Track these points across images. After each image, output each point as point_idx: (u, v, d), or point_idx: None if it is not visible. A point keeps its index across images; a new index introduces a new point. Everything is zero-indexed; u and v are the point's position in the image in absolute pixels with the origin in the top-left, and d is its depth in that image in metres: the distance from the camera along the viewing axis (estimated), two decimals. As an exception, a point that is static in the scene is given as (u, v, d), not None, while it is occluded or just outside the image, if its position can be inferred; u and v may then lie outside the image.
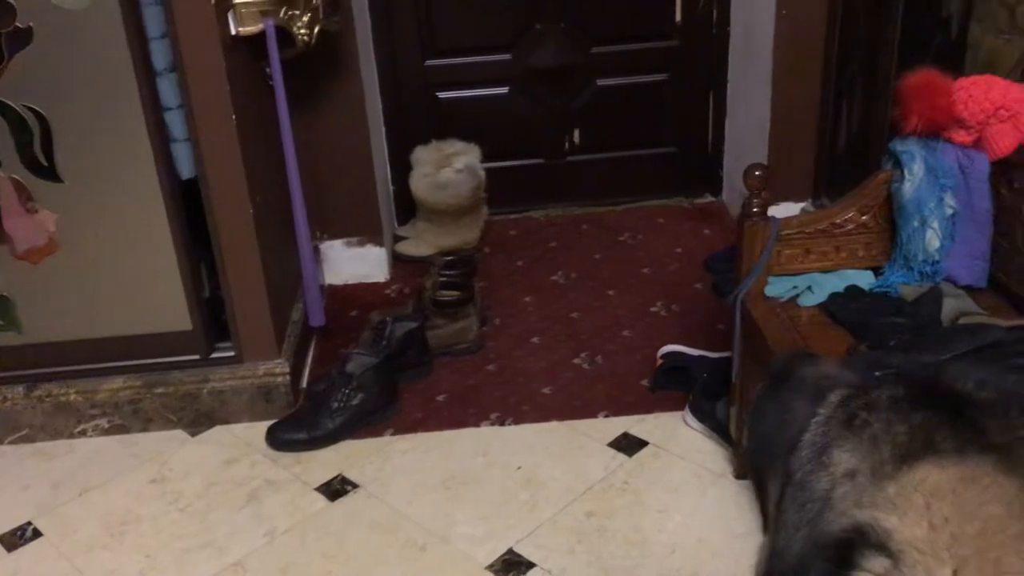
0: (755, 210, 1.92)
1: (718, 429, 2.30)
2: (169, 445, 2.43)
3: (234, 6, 2.26)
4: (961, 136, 1.87)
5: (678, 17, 3.43)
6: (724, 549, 1.99)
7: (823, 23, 3.01)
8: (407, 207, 3.43)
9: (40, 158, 2.20)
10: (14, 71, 2.11)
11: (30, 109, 2.15)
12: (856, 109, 2.96)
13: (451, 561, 2.02)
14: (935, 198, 1.86)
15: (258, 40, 2.34)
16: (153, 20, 2.14)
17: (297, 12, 2.39)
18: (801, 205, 3.19)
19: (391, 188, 3.43)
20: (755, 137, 3.26)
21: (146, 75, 2.15)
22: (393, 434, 2.44)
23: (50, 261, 2.29)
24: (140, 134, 2.19)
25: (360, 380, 2.40)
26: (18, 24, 2.07)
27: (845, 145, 3.06)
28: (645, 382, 2.57)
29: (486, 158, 3.35)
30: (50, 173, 2.21)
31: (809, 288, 1.95)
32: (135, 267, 2.34)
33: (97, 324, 2.39)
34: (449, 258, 2.93)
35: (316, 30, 2.44)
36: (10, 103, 2.14)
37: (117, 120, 2.18)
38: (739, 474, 2.19)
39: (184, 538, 2.13)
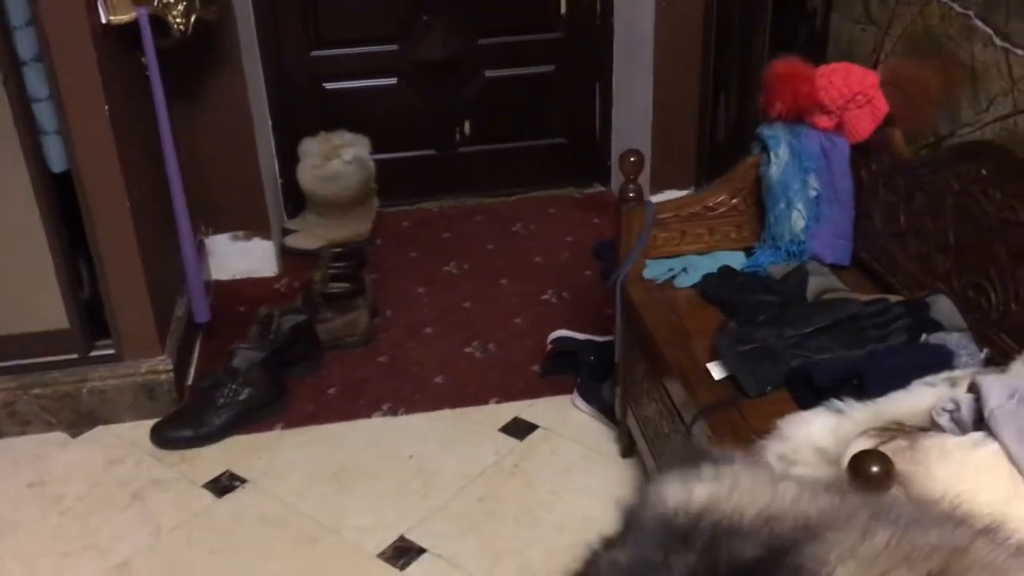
0: (631, 195, 1.97)
1: (605, 410, 2.36)
2: (48, 448, 2.35)
3: (104, -6, 2.19)
4: (823, 121, 1.96)
5: (563, 9, 3.48)
6: (610, 525, 2.04)
7: (700, 15, 3.10)
8: (296, 200, 3.39)
9: None
10: None
11: None
12: (733, 99, 3.07)
13: (342, 552, 2.02)
14: (800, 180, 1.95)
15: (132, 29, 2.28)
16: (16, 8, 2.06)
17: (172, 1, 2.33)
18: (684, 193, 3.28)
19: (279, 180, 3.39)
20: (639, 127, 3.34)
21: (11, 65, 2.08)
22: (283, 428, 2.41)
23: (-89, 260, 2.18)
24: (7, 126, 2.11)
25: (247, 375, 2.37)
26: None
27: (724, 134, 3.16)
28: (536, 367, 2.61)
29: (376, 150, 3.34)
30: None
31: (684, 270, 2.02)
32: (7, 264, 2.25)
33: (-34, 324, 2.29)
34: (338, 250, 2.92)
35: (192, 19, 2.39)
36: None
37: (-19, 112, 2.09)
38: (624, 453, 2.25)
39: (65, 541, 2.06)
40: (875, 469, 1.03)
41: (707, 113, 3.21)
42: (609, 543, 0.58)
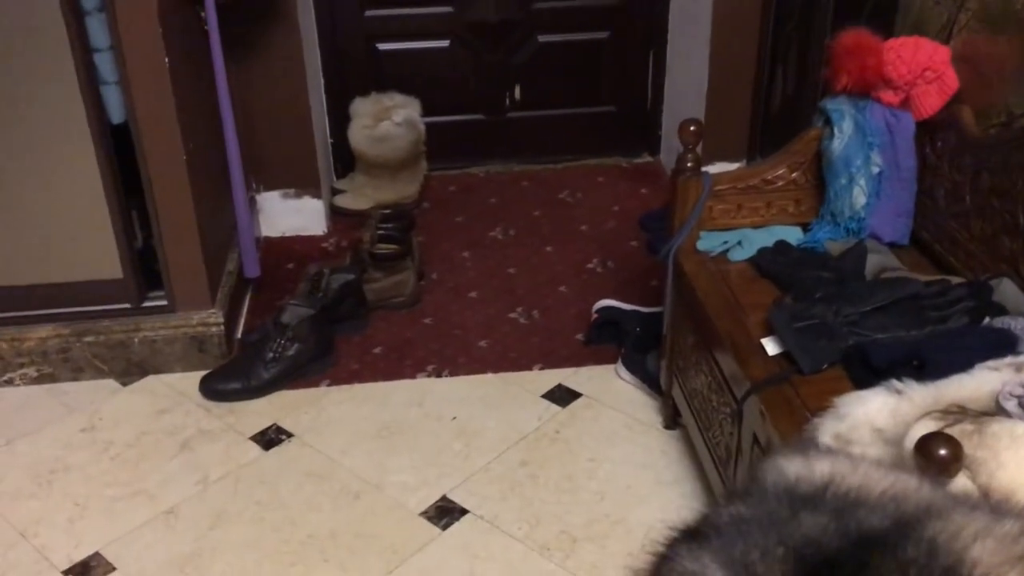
0: (689, 165, 1.95)
1: (649, 381, 2.35)
2: (100, 394, 2.40)
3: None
4: (889, 96, 1.92)
5: (620, -26, 3.43)
6: (651, 496, 2.05)
7: (762, -15, 3.04)
8: (346, 160, 3.40)
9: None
10: (-66, 6, 2.03)
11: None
12: (791, 70, 3.02)
13: (385, 507, 2.04)
14: (863, 156, 1.91)
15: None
16: (80, -45, 2.07)
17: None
18: (736, 165, 3.24)
19: (329, 140, 3.39)
20: (693, 97, 3.29)
21: (74, 15, 2.09)
22: (328, 385, 2.44)
23: (-25, 205, 2.22)
24: (69, 76, 2.13)
25: (295, 331, 2.39)
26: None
27: (779, 106, 3.11)
28: (580, 336, 2.61)
29: (426, 112, 3.33)
30: (-29, 114, 2.14)
31: (739, 243, 2.00)
32: (65, 213, 2.28)
33: (25, 271, 2.34)
34: (387, 212, 2.92)
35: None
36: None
37: (45, 60, 2.12)
38: (667, 424, 2.25)
39: (115, 486, 2.11)
40: (943, 452, 1.01)
41: (763, 85, 3.15)
42: (730, 496, 0.61)
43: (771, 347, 1.67)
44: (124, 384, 2.43)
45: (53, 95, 2.15)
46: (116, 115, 2.22)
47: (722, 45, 3.13)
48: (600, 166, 3.67)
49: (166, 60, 2.15)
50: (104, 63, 2.17)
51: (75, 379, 2.42)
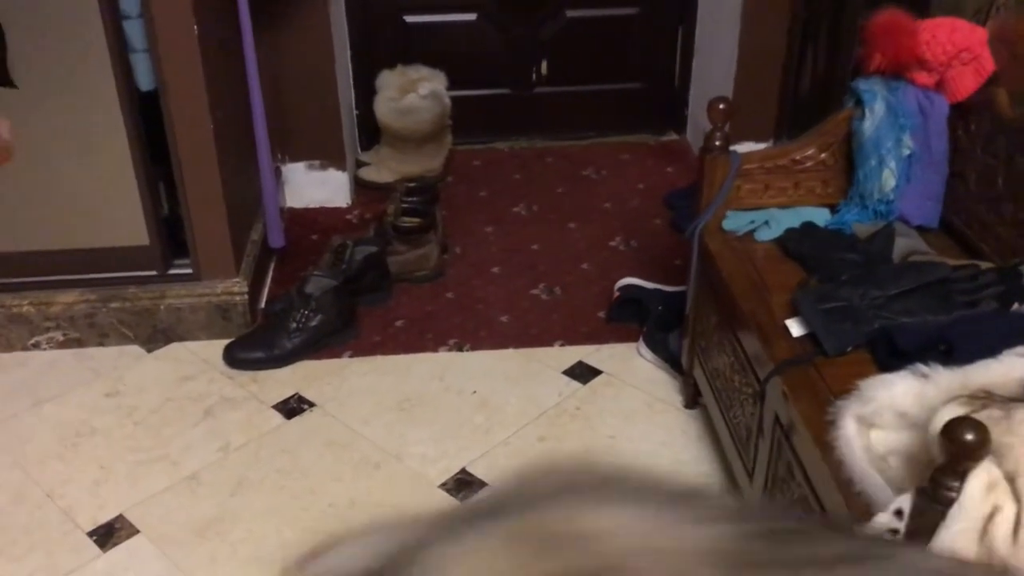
0: (717, 143, 1.93)
1: (670, 360, 2.35)
2: (125, 360, 2.42)
3: (197, -88, 2.19)
4: (923, 77, 1.89)
5: (651, -50, 3.39)
6: (671, 474, 2.05)
7: (795, -38, 3.00)
8: (371, 132, 3.39)
9: (-7, 63, 2.13)
10: (-35, -30, 2.04)
11: (-17, 11, 2.08)
12: (822, 50, 2.98)
13: (404, 478, 2.06)
14: (894, 138, 1.89)
15: (221, -50, 2.27)
16: (112, -77, 2.07)
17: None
18: (763, 145, 3.21)
19: (355, 112, 3.39)
20: (721, 75, 3.26)
21: (104, -20, 2.09)
22: (351, 356, 2.45)
23: (4, 170, 2.24)
24: (98, 42, 2.13)
25: (319, 301, 2.40)
26: (-30, -81, 1.99)
27: (809, 86, 3.08)
28: (601, 313, 2.61)
29: (452, 86, 3.32)
30: (4, 79, 2.15)
31: (766, 223, 1.98)
32: (92, 179, 2.30)
33: (52, 236, 2.36)
34: (411, 185, 2.92)
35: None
36: (-39, 3, 2.07)
37: (74, 26, 2.12)
38: (688, 404, 2.25)
39: (139, 451, 2.14)
40: (970, 437, 1.01)
41: (792, 64, 3.12)
42: None
43: (795, 328, 1.66)
44: (149, 350, 2.46)
45: (83, 60, 2.16)
46: (145, 82, 2.23)
47: (752, 23, 3.10)
48: (625, 143, 3.65)
49: (195, 28, 2.15)
50: (134, 30, 2.17)
51: (101, 344, 2.45)
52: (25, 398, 2.29)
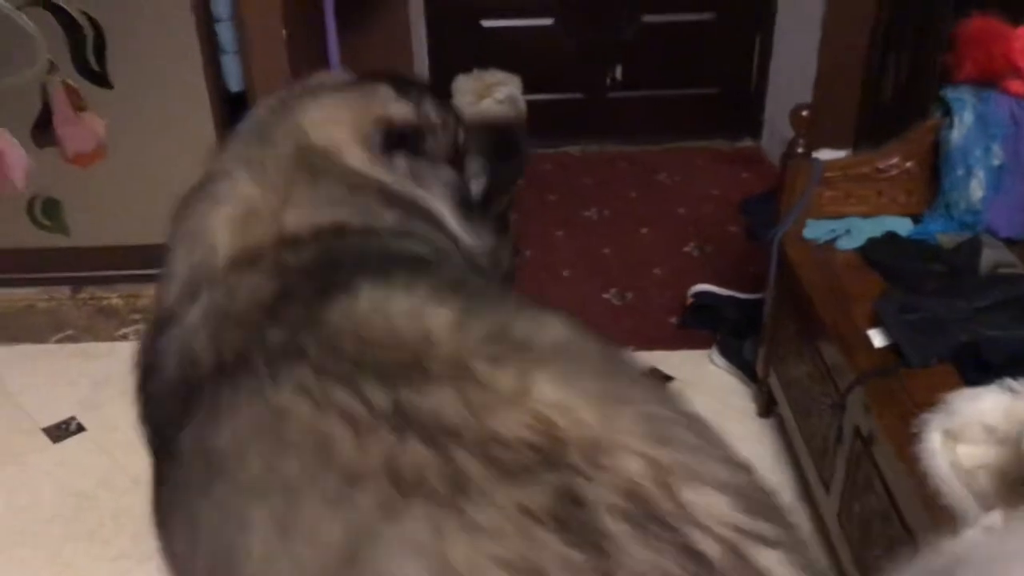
0: (799, 151, 1.92)
1: (744, 368, 2.33)
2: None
3: (287, -81, 2.25)
4: (1017, 86, 1.85)
5: (729, -46, 3.37)
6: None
7: (879, -32, 2.95)
8: (446, 135, 3.43)
9: (92, 63, 2.23)
10: (70, -25, 2.13)
11: (85, 14, 2.17)
12: (905, 57, 2.92)
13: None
14: (982, 147, 1.85)
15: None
16: (208, -71, 2.15)
17: (349, -71, 2.38)
18: (843, 152, 3.15)
19: (431, 115, 3.43)
20: (800, 82, 3.22)
21: (198, -16, 2.17)
22: (425, 355, 2.48)
23: (99, 166, 2.33)
24: (191, 44, 2.21)
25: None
26: (75, -74, 2.08)
27: (891, 93, 3.02)
28: (674, 319, 2.60)
29: (526, 90, 3.33)
30: (101, 79, 2.25)
31: (847, 232, 1.95)
32: (182, 177, 2.36)
33: (142, 231, 2.43)
34: (486, 187, 2.95)
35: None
36: (65, 7, 2.16)
37: (168, 28, 2.20)
38: (762, 412, 2.23)
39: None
40: (1065, 452, 0.99)
41: (874, 71, 3.06)
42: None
43: (878, 339, 1.64)
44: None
45: (175, 61, 2.24)
46: (234, 83, 2.30)
47: (833, 28, 3.06)
48: (700, 149, 3.63)
49: (283, 32, 2.21)
50: (225, 33, 2.24)
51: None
52: (113, 387, 2.37)
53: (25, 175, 2.32)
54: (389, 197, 1.16)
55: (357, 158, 1.19)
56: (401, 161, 1.21)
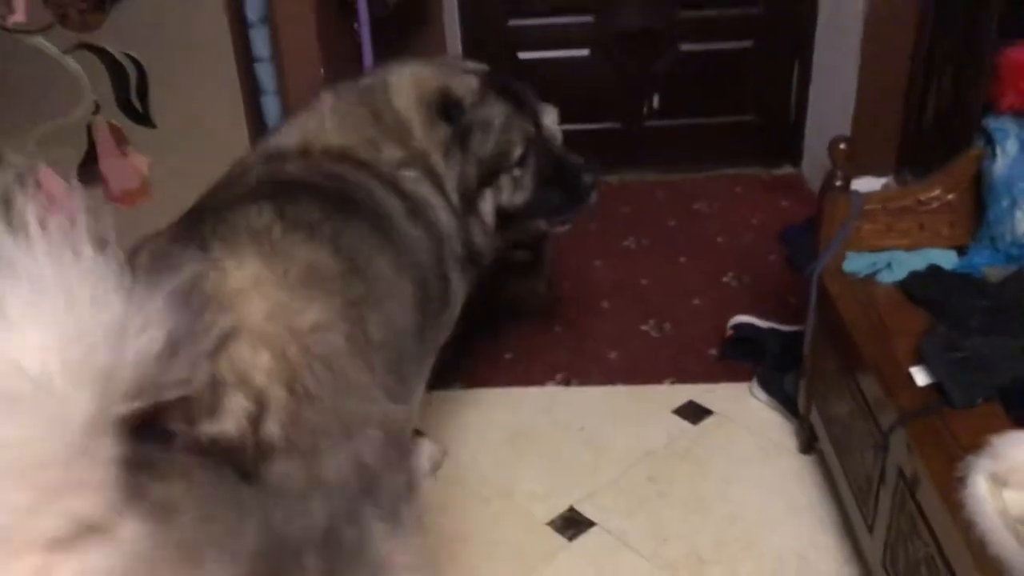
0: (837, 183, 1.89)
1: (785, 402, 2.29)
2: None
3: (325, -40, 2.30)
4: (1060, 116, 1.81)
5: (767, -17, 3.36)
6: (784, 521, 2.00)
7: (919, -6, 2.92)
8: (483, 166, 3.44)
9: (136, 104, 2.28)
10: (115, 18, 2.18)
11: (128, 56, 2.22)
12: (947, 84, 2.88)
13: (513, 515, 2.07)
14: (1027, 179, 1.81)
15: (347, -4, 2.37)
16: (248, -29, 2.19)
17: (388, -31, 2.41)
18: (883, 180, 3.11)
19: (468, 147, 3.45)
20: (839, 108, 3.19)
21: (239, 25, 2.21)
22: (461, 388, 2.49)
23: (144, 205, 2.37)
24: (232, 84, 2.25)
25: (432, 334, 2.45)
26: (120, -28, 2.14)
27: (933, 121, 2.97)
28: (713, 351, 2.57)
29: (563, 120, 3.33)
30: (144, 118, 2.29)
31: (888, 265, 1.92)
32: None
33: (183, 266, 2.48)
34: (523, 218, 2.95)
35: (403, -13, 2.46)
36: (110, 49, 2.21)
37: (210, 69, 2.25)
38: (803, 448, 2.19)
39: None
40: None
41: (916, 98, 3.02)
42: None
43: (921, 377, 1.60)
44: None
45: (217, 101, 2.28)
46: (274, 122, 2.33)
47: (872, 56, 3.03)
48: (739, 177, 3.61)
49: (322, 71, 2.24)
50: (265, 73, 2.28)
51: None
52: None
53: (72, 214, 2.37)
54: (408, 148, 1.63)
55: (411, 112, 1.63)
56: (442, 130, 1.46)
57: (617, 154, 3.64)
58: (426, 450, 2.19)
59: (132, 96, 2.27)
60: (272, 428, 1.06)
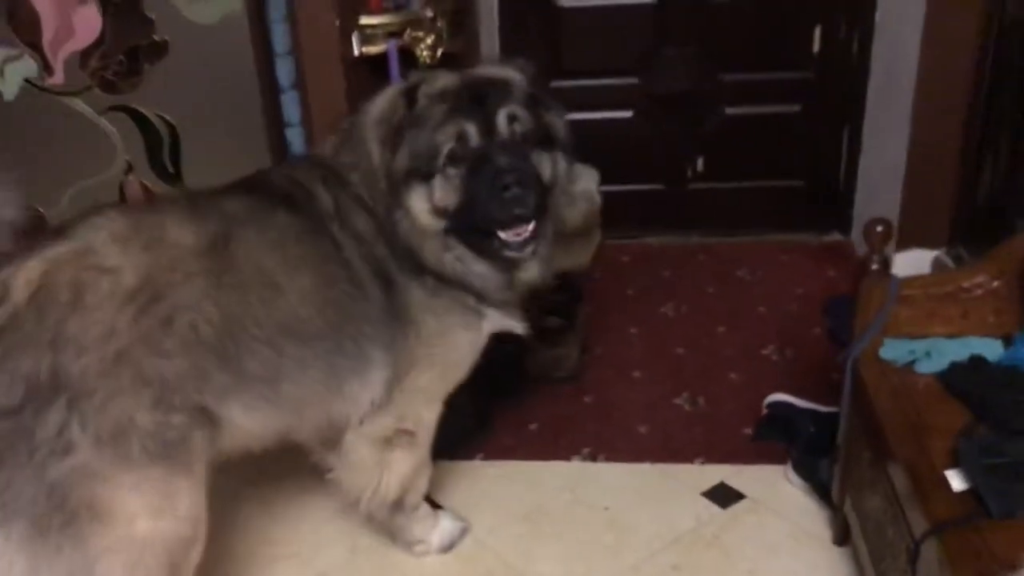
0: (874, 267, 1.80)
1: (820, 488, 2.18)
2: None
3: (359, 27, 2.30)
4: (1115, 202, 1.70)
5: (816, 47, 3.29)
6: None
7: (973, 61, 2.82)
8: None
9: (167, 165, 2.29)
10: (150, 81, 2.21)
11: (161, 118, 2.25)
12: (1003, 155, 2.77)
13: (527, 599, 1.99)
14: (1079, 268, 1.70)
15: (381, 60, 2.37)
16: (279, 37, 2.21)
17: (421, 34, 2.41)
18: (934, 253, 3.00)
19: (506, 207, 3.42)
20: (890, 177, 3.09)
21: (270, 91, 2.22)
22: (483, 459, 2.42)
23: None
24: (262, 148, 2.26)
25: (451, 402, 2.38)
26: (155, 37, 2.17)
27: (987, 193, 2.85)
28: (748, 430, 2.47)
29: (605, 181, 3.29)
30: (175, 179, 2.31)
31: (928, 354, 1.81)
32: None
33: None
34: (554, 283, 2.89)
35: (439, 52, 2.45)
36: (144, 111, 2.24)
37: (241, 133, 2.26)
38: (838, 540, 2.07)
39: (273, 544, 2.17)
40: None
41: (970, 169, 2.91)
42: None
43: (957, 482, 1.49)
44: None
45: (247, 164, 2.26)
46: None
47: (924, 124, 2.93)
48: (784, 243, 3.51)
49: (349, 136, 2.23)
50: (295, 138, 2.29)
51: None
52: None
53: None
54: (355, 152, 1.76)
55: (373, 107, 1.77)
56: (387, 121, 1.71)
57: (659, 216, 3.59)
58: (443, 525, 2.13)
59: (165, 157, 2.29)
60: None
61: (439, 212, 1.71)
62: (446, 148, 1.67)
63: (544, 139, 1.78)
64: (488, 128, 1.69)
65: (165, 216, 1.55)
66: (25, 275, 1.41)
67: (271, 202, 1.66)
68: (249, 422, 1.62)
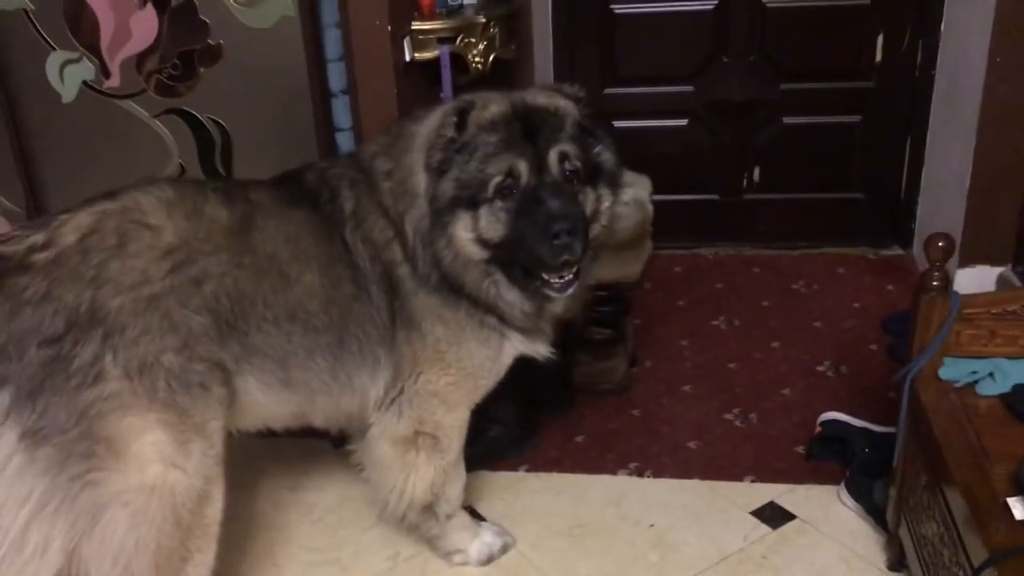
0: (935, 283, 1.73)
1: (874, 511, 2.10)
2: (310, 454, 2.48)
3: (411, 32, 2.29)
4: None
5: (878, 57, 3.21)
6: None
7: (1044, 71, 2.72)
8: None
9: (219, 167, 2.31)
10: (204, 85, 2.23)
11: (214, 121, 2.26)
12: (1075, 169, 2.66)
13: (567, 616, 1.95)
14: None
15: (433, 65, 2.36)
16: (331, 43, 2.21)
17: (474, 40, 2.40)
18: (999, 270, 2.89)
19: (557, 215, 3.40)
20: (953, 191, 2.99)
21: (322, 96, 2.22)
22: (527, 470, 2.39)
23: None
24: (312, 152, 2.26)
25: (495, 412, 2.36)
26: (210, 41, 2.19)
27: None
28: (800, 448, 2.40)
29: (658, 190, 3.24)
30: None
31: (991, 375, 1.74)
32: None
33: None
34: (603, 294, 2.85)
35: (491, 58, 2.44)
36: (197, 114, 2.26)
37: (292, 137, 2.27)
38: (892, 565, 1.99)
39: (311, 551, 2.16)
40: None
41: (1038, 181, 2.80)
42: None
43: (1019, 510, 1.42)
44: (336, 446, 2.51)
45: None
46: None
47: (990, 136, 2.83)
48: (842, 256, 3.42)
49: (399, 141, 2.22)
50: (345, 143, 2.30)
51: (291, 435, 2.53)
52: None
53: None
54: (396, 160, 1.78)
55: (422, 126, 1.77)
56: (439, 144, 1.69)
57: (713, 226, 3.52)
58: (483, 537, 2.10)
59: (216, 160, 2.31)
60: (40, 256, 1.52)
61: (482, 243, 1.70)
62: (495, 181, 1.65)
63: (592, 171, 1.74)
64: (539, 166, 1.66)
65: (207, 194, 1.68)
66: (76, 221, 1.56)
67: (295, 198, 1.76)
68: (264, 398, 1.73)
